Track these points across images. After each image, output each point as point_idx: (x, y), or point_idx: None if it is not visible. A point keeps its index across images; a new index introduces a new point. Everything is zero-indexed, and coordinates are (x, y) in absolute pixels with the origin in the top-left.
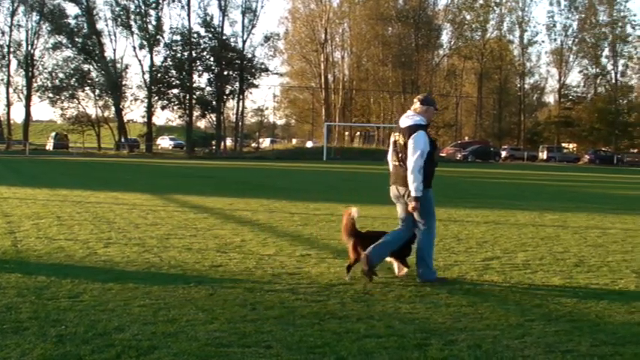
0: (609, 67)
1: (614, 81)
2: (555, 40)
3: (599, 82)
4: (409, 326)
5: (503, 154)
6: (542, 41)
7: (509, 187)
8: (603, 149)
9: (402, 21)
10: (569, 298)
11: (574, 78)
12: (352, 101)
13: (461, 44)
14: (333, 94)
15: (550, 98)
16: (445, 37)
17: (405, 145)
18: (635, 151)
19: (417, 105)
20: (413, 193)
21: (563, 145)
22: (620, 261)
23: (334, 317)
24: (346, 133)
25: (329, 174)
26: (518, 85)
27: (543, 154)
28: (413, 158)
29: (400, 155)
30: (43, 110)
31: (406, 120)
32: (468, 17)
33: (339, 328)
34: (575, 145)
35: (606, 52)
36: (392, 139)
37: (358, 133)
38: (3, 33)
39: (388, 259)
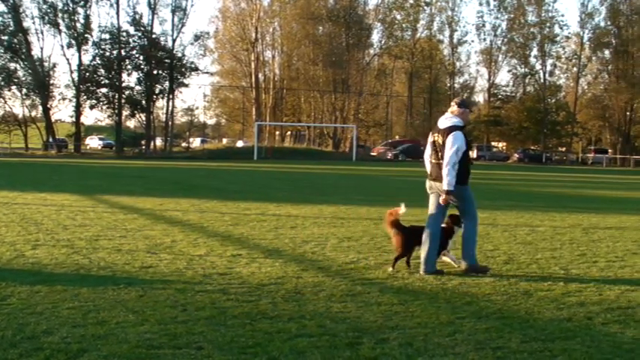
0: (538, 66)
1: (542, 80)
2: (485, 39)
3: (527, 82)
4: (341, 325)
5: None
6: (472, 41)
7: None
8: (532, 148)
9: (333, 20)
10: (500, 295)
11: (503, 77)
12: (283, 100)
13: (391, 44)
14: (263, 93)
15: (480, 97)
16: (376, 37)
17: (444, 144)
18: (564, 149)
19: (454, 107)
20: (445, 187)
21: (493, 143)
22: (549, 258)
23: (266, 317)
24: (277, 132)
25: (260, 173)
26: (449, 85)
27: (473, 153)
28: (449, 153)
29: (440, 154)
30: None
31: (445, 121)
32: (399, 17)
33: (270, 328)
34: (504, 143)
35: (535, 51)
36: (430, 140)
37: (289, 132)
38: None
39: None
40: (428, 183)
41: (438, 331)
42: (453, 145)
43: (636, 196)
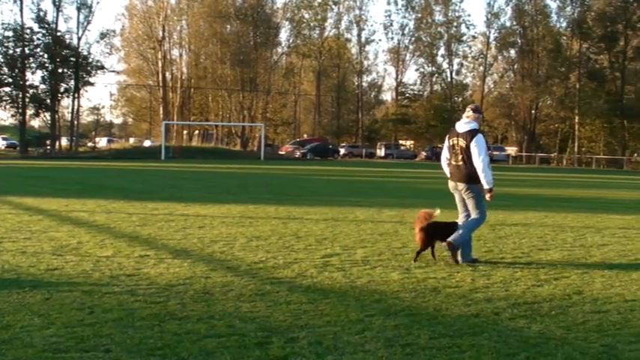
0: (445, 65)
1: (449, 79)
2: (392, 38)
3: (435, 80)
4: (250, 325)
5: (342, 151)
6: (380, 40)
7: (348, 184)
8: (439, 146)
9: (241, 19)
10: (408, 292)
11: (411, 76)
12: (191, 99)
13: (299, 42)
14: (171, 92)
15: (387, 96)
16: (284, 35)
17: (467, 147)
18: None
19: (470, 113)
20: (487, 186)
21: (401, 142)
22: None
23: (174, 318)
24: (185, 131)
25: (167, 173)
26: (356, 83)
27: (381, 151)
28: (481, 157)
29: (462, 156)
30: None
31: (464, 126)
32: (307, 15)
33: (179, 329)
34: (412, 142)
35: (442, 51)
36: (448, 143)
37: (197, 131)
38: None
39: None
40: (451, 184)
41: (348, 329)
42: (481, 151)
43: (542, 193)
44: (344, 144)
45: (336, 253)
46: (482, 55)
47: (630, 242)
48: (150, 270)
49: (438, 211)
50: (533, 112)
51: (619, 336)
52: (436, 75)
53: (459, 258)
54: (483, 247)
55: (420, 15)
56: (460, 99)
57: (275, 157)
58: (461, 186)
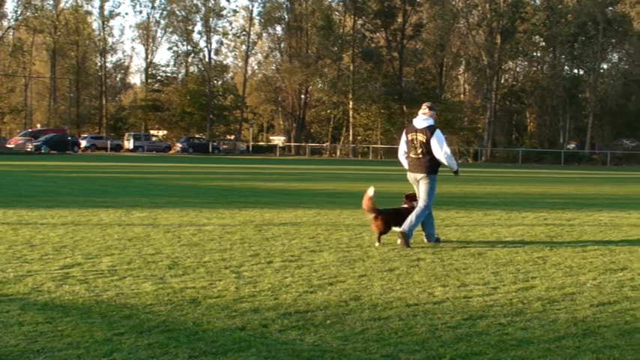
0: (202, 44)
1: (207, 59)
2: (141, 12)
3: (191, 61)
4: None
5: (83, 143)
6: (126, 13)
7: (91, 182)
8: (197, 136)
9: None
10: (163, 305)
11: (163, 56)
12: None
13: (29, 15)
14: None
15: (136, 79)
16: (10, 6)
17: (427, 141)
18: (232, 137)
19: (426, 110)
20: (455, 168)
21: (153, 132)
22: (218, 260)
23: None
24: None
25: None
26: (99, 64)
27: (129, 143)
28: (444, 149)
29: (421, 150)
30: None
31: (423, 122)
32: None
33: None
34: (165, 132)
35: (199, 27)
36: (406, 138)
37: None
38: None
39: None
40: (411, 175)
41: (93, 350)
42: (442, 143)
43: (314, 188)
44: (85, 135)
45: (77, 262)
46: (244, 33)
47: (411, 240)
48: None
49: (372, 191)
50: (302, 96)
51: (401, 344)
52: (192, 55)
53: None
54: (248, 250)
55: None
56: (220, 82)
57: (2, 151)
58: (420, 176)
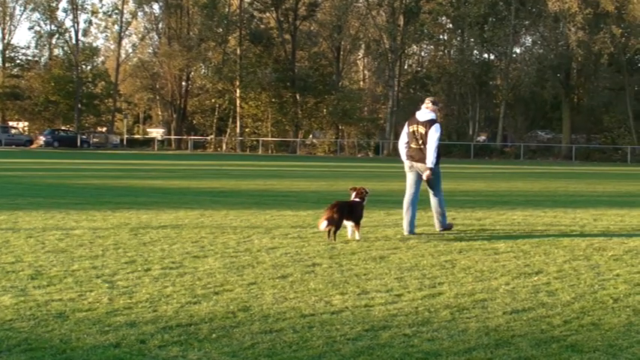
0: (68, 23)
1: (74, 41)
2: None
3: (55, 43)
4: None
5: None
6: None
7: None
8: (64, 128)
9: None
10: (25, 320)
11: (23, 37)
12: None
13: None
14: None
15: None
16: None
17: (426, 133)
18: (104, 130)
19: (429, 104)
20: (429, 165)
21: (12, 124)
22: (89, 268)
23: None
24: None
25: None
26: None
27: None
28: (434, 139)
29: (422, 141)
30: None
31: (426, 115)
32: None
33: None
34: (27, 123)
35: (64, 4)
36: (409, 130)
37: None
38: None
39: (347, 222)
40: (409, 163)
41: None
42: (435, 135)
43: (196, 186)
44: None
45: None
46: (117, 11)
47: (306, 244)
48: None
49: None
50: (183, 84)
51: (296, 359)
52: (57, 36)
53: (440, 227)
54: (123, 257)
55: None
56: (89, 67)
57: None
58: (421, 166)
